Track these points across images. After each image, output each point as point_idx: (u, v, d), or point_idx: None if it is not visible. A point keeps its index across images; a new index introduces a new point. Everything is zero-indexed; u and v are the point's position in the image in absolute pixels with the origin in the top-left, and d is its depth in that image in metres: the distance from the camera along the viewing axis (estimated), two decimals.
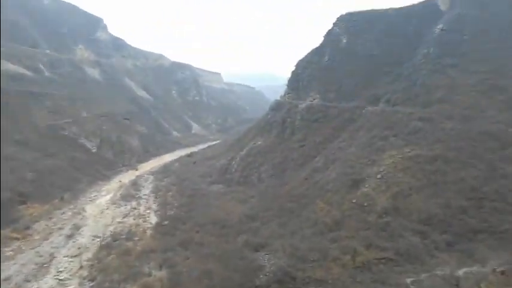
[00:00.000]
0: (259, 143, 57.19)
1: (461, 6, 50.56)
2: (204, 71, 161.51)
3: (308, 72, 63.85)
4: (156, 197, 45.93)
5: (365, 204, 29.27)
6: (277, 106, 64.54)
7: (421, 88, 42.27)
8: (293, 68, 69.55)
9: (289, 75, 70.89)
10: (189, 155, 74.93)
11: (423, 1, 59.04)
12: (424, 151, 31.76)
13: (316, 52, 65.95)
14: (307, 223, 30.82)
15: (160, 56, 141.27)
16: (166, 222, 36.41)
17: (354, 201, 30.32)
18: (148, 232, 34.43)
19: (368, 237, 25.63)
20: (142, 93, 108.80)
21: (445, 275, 20.55)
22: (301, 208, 33.79)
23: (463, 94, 38.51)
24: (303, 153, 47.33)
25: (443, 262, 22.11)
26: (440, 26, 49.74)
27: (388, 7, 63.83)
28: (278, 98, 71.32)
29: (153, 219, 38.25)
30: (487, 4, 49.73)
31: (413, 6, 60.07)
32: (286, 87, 69.73)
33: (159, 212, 40.15)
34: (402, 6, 61.76)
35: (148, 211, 40.83)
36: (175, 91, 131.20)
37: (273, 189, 41.84)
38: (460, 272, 20.36)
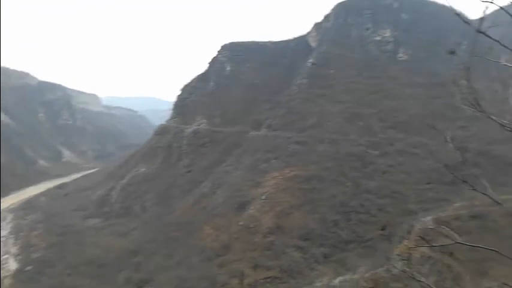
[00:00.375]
0: (142, 169, 54.08)
1: (327, 45, 58.06)
2: (78, 92, 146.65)
3: (194, 97, 64.18)
4: (16, 239, 39.00)
5: (251, 225, 30.02)
6: (162, 131, 62.57)
7: (297, 115, 46.38)
8: (179, 93, 69.14)
9: (174, 99, 70.15)
10: (59, 187, 65.99)
11: (297, 37, 66.69)
12: (301, 171, 34.56)
13: (202, 78, 67.14)
14: (194, 251, 30.04)
15: (26, 75, 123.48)
16: (29, 268, 31.42)
17: (240, 223, 30.82)
18: (7, 281, 29.20)
19: (255, 257, 26.27)
20: (1, 116, 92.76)
21: (324, 285, 22.16)
22: (188, 236, 32.75)
23: (331, 120, 43.57)
24: (190, 179, 46.52)
25: (321, 274, 23.93)
26: (311, 60, 56.14)
27: (267, 40, 70.30)
28: (163, 122, 69.32)
29: (13, 265, 32.64)
30: (347, 45, 58.21)
31: (288, 41, 67.20)
32: (171, 111, 68.47)
33: (20, 256, 34.42)
34: (280, 40, 68.91)
35: (6, 256, 34.46)
36: (44, 114, 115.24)
37: (158, 219, 39.66)
38: (336, 281, 22.21)
